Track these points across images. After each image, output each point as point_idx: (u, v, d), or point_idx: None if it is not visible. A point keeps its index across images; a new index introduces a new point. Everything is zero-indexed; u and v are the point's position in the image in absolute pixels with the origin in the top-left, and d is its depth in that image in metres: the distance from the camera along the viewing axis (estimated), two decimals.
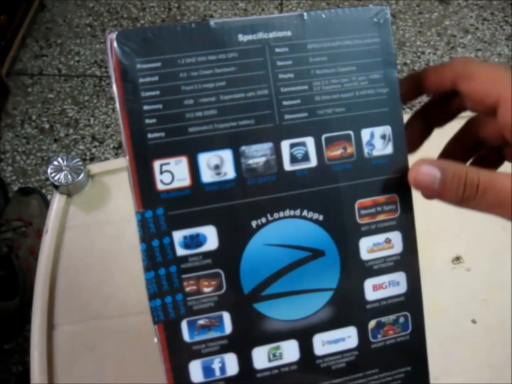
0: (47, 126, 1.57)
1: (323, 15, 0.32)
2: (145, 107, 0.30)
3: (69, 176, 0.64)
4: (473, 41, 1.84)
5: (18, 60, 1.74)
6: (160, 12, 1.89)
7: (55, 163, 0.65)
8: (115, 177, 0.68)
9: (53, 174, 0.64)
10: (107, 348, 0.56)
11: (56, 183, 0.63)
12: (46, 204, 1.27)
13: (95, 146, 1.52)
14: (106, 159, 1.47)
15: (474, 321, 0.58)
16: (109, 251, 0.62)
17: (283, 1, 1.95)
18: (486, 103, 0.32)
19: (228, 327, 0.32)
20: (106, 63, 1.73)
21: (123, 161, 0.69)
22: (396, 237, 0.34)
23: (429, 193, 0.31)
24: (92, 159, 1.48)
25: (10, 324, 1.15)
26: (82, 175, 0.64)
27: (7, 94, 1.62)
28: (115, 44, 0.29)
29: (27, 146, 1.52)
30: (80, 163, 0.65)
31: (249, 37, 0.31)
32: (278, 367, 0.34)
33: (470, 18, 1.91)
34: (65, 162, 0.65)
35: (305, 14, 0.32)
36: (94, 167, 0.68)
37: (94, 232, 0.63)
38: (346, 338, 0.34)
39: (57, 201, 0.64)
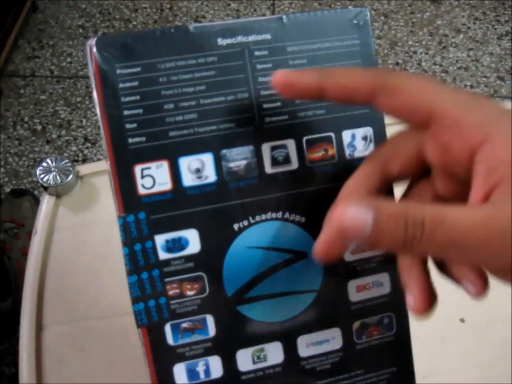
0: (39, 127, 1.57)
1: (302, 18, 0.32)
2: (125, 112, 0.30)
3: (58, 178, 0.64)
4: (465, 40, 1.84)
5: (10, 62, 1.73)
6: (152, 13, 1.89)
7: (44, 164, 0.64)
8: (104, 178, 0.67)
9: (42, 176, 0.64)
10: (96, 348, 0.56)
11: (45, 185, 0.63)
12: (38, 205, 1.27)
13: (87, 147, 1.52)
14: (99, 160, 1.47)
15: (462, 320, 0.58)
16: (98, 252, 0.61)
17: (275, 1, 1.95)
18: (415, 120, 0.27)
19: (212, 330, 0.32)
20: None
21: None
22: None
23: (360, 242, 0.24)
24: (84, 160, 1.48)
25: (2, 326, 1.15)
26: (71, 176, 0.64)
27: None
28: (94, 50, 0.29)
29: (20, 147, 1.52)
30: (69, 164, 0.65)
31: (229, 40, 0.31)
32: (262, 369, 0.34)
33: (462, 18, 1.92)
34: (54, 164, 0.65)
35: (284, 17, 0.32)
36: (83, 168, 0.68)
37: (83, 233, 0.63)
38: (331, 339, 0.34)
39: (46, 202, 0.64)
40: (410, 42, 1.84)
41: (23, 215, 1.23)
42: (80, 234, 0.63)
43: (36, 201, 1.28)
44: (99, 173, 0.68)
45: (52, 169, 0.64)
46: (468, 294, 0.29)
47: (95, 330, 0.57)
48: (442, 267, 0.30)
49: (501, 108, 0.26)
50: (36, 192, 1.39)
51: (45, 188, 0.64)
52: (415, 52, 1.81)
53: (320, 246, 0.25)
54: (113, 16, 1.88)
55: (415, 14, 1.93)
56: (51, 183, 0.63)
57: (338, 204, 0.24)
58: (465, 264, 0.25)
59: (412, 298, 0.28)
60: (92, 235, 0.63)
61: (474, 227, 0.23)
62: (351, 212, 0.23)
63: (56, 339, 0.56)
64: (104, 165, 0.68)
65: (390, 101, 0.27)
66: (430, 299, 0.28)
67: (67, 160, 0.65)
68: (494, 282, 0.59)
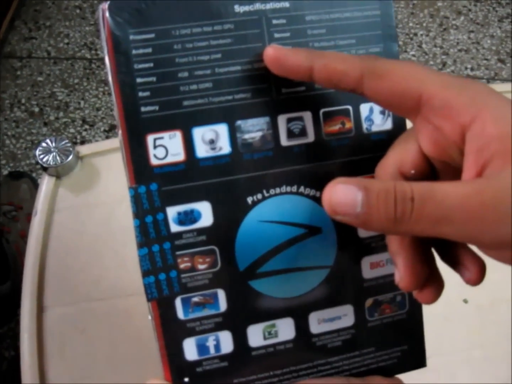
0: (36, 109, 1.55)
1: None
2: (138, 80, 0.29)
3: (58, 158, 0.63)
4: (466, 22, 1.83)
5: (6, 43, 1.71)
6: None
7: (44, 144, 0.64)
8: (104, 158, 0.67)
9: (41, 156, 0.63)
10: (98, 330, 0.56)
11: (44, 165, 0.63)
12: (37, 188, 1.26)
13: (85, 129, 1.51)
14: (97, 142, 1.46)
15: (465, 301, 0.58)
16: (98, 233, 0.61)
17: None
18: (404, 105, 0.27)
19: (223, 305, 0.32)
20: (96, 45, 1.71)
21: (112, 143, 0.68)
22: None
23: (351, 220, 0.24)
24: (82, 142, 1.47)
25: (1, 309, 1.14)
26: (71, 157, 0.63)
27: None
28: (107, 14, 0.28)
29: (17, 129, 1.51)
30: (69, 144, 0.64)
31: (246, 8, 0.30)
32: (273, 345, 0.33)
33: (463, 0, 1.90)
34: (53, 144, 0.64)
35: None
36: (83, 149, 0.67)
37: (84, 214, 0.63)
38: (343, 316, 0.34)
39: (46, 183, 0.64)
40: (410, 24, 1.82)
41: (21, 198, 1.22)
42: (81, 215, 0.63)
43: (34, 184, 1.27)
44: (99, 153, 0.67)
45: (52, 149, 0.64)
46: (465, 281, 0.30)
47: (96, 312, 0.57)
48: (443, 253, 0.30)
49: (488, 87, 0.26)
50: (34, 175, 1.38)
51: (45, 169, 0.64)
52: (415, 34, 1.80)
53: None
54: None
55: None
56: (51, 163, 0.63)
57: (329, 183, 0.25)
58: (458, 240, 0.25)
59: (397, 274, 0.29)
60: (93, 216, 0.62)
61: (465, 200, 0.23)
62: (339, 190, 0.24)
63: (57, 321, 0.56)
64: (104, 145, 0.68)
65: (378, 85, 0.27)
66: (416, 276, 0.28)
67: (67, 141, 0.64)
68: (497, 264, 0.59)
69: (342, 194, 0.24)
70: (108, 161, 0.67)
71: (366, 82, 0.27)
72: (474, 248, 0.28)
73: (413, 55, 1.74)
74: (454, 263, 0.30)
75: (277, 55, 0.29)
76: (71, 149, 0.64)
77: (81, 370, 0.54)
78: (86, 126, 1.52)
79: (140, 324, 0.56)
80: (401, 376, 0.36)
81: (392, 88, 0.27)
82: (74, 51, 1.70)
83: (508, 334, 0.56)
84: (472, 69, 1.70)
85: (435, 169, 0.29)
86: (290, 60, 0.28)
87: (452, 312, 0.57)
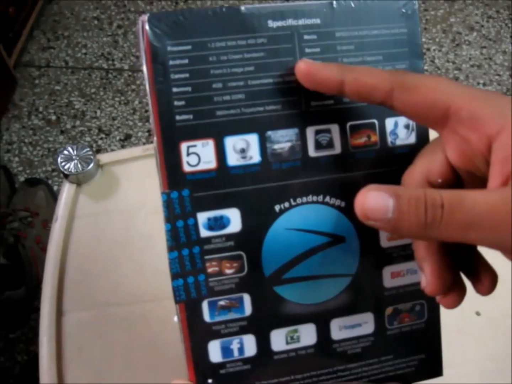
0: (53, 117, 1.57)
1: (352, 4, 0.32)
2: (174, 89, 0.30)
3: (79, 166, 0.64)
4: (478, 38, 1.84)
5: (25, 52, 1.74)
6: (167, 6, 1.89)
7: (65, 152, 0.65)
8: (124, 167, 0.68)
9: (63, 163, 0.64)
10: (115, 334, 0.56)
11: (66, 172, 0.64)
12: (52, 195, 1.28)
13: (101, 138, 1.53)
14: (112, 151, 1.48)
15: (478, 313, 0.58)
16: (117, 240, 0.62)
17: None
18: (433, 116, 0.28)
19: (248, 309, 0.33)
20: (113, 56, 1.73)
21: (132, 152, 0.70)
22: None
23: (383, 226, 0.25)
24: (98, 151, 1.49)
25: (15, 313, 1.16)
26: (91, 165, 0.65)
27: (14, 86, 1.63)
28: (146, 27, 0.30)
29: (34, 137, 1.53)
30: (90, 152, 0.65)
31: (279, 23, 0.31)
32: (295, 350, 0.34)
33: (476, 16, 1.91)
34: (75, 152, 0.65)
35: (334, 2, 0.32)
36: (104, 157, 0.68)
37: (103, 221, 0.64)
38: (363, 323, 0.35)
39: (66, 190, 0.65)
40: (423, 39, 1.83)
41: (37, 204, 1.24)
42: (100, 221, 0.64)
43: (50, 191, 1.29)
44: (119, 162, 0.68)
45: (74, 157, 0.65)
46: (475, 291, 0.31)
47: (114, 317, 0.57)
48: (461, 262, 0.31)
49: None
50: (50, 182, 1.40)
51: (66, 176, 0.65)
52: (428, 49, 1.81)
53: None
54: (128, 8, 1.88)
55: (429, 11, 1.93)
56: (72, 171, 0.64)
57: (361, 190, 0.26)
58: (485, 246, 0.26)
59: (424, 280, 0.30)
60: (112, 223, 0.64)
61: (492, 208, 0.24)
62: (371, 196, 0.25)
63: (76, 325, 0.57)
64: (124, 154, 0.69)
65: (408, 98, 0.28)
66: (442, 282, 0.29)
67: (88, 149, 0.66)
68: (509, 276, 0.59)
69: (374, 200, 0.25)
70: (127, 170, 0.68)
71: (395, 95, 0.28)
72: (491, 256, 0.29)
73: (426, 70, 1.75)
74: (469, 273, 0.31)
75: (308, 69, 0.30)
76: (92, 157, 0.65)
77: (98, 373, 0.54)
78: (102, 135, 1.53)
79: (157, 329, 0.57)
80: None
81: (421, 100, 0.27)
82: (91, 61, 1.72)
83: None
84: (484, 84, 1.71)
85: (461, 178, 0.29)
86: (322, 74, 0.29)
87: (465, 324, 0.57)
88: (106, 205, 0.65)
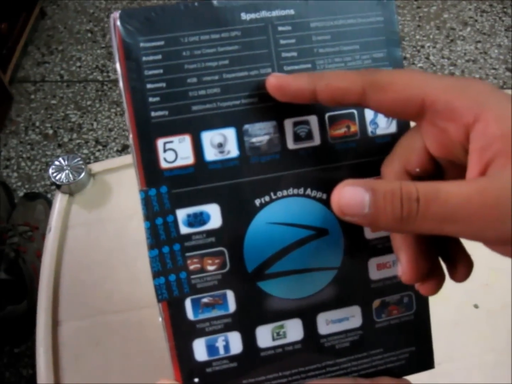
0: (50, 131, 1.58)
1: None
2: (149, 86, 0.30)
3: (71, 175, 0.65)
4: (473, 33, 1.84)
5: (20, 68, 1.75)
6: None
7: (57, 163, 0.65)
8: (116, 175, 0.68)
9: (54, 174, 0.64)
10: (111, 342, 0.56)
11: (57, 183, 0.64)
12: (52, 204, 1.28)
13: (98, 150, 1.53)
14: (108, 159, 1.48)
15: (476, 306, 0.58)
16: (111, 248, 0.62)
17: None
18: (409, 112, 0.28)
19: (232, 306, 0.32)
20: (108, 67, 1.74)
21: (123, 160, 0.70)
22: None
23: (360, 221, 0.25)
24: (91, 164, 1.49)
25: (19, 328, 1.16)
26: (83, 174, 0.65)
27: (10, 102, 1.64)
28: (118, 23, 0.30)
29: (32, 152, 1.54)
30: (81, 162, 0.66)
31: (252, 15, 0.31)
32: (282, 346, 0.34)
33: (469, 11, 1.91)
34: (66, 162, 0.65)
35: None
36: (95, 166, 0.69)
37: (96, 230, 0.64)
38: (350, 317, 0.34)
39: (59, 201, 0.65)
40: (417, 37, 1.84)
41: (37, 218, 1.24)
42: (94, 230, 0.64)
43: (50, 204, 1.29)
44: (111, 170, 0.69)
45: (65, 167, 0.65)
46: (449, 277, 0.31)
47: (110, 325, 0.57)
48: (440, 250, 0.31)
49: (490, 86, 0.26)
50: (49, 195, 1.40)
51: (58, 187, 0.65)
52: (422, 46, 1.81)
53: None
54: None
55: (422, 8, 1.93)
56: (64, 181, 0.64)
57: (337, 185, 0.26)
58: (462, 237, 0.26)
59: (400, 268, 0.30)
60: (105, 231, 0.64)
61: (468, 199, 0.23)
62: (347, 192, 0.25)
63: (72, 334, 0.57)
64: (115, 162, 0.69)
65: (382, 97, 0.28)
66: (417, 270, 0.29)
67: (79, 158, 0.66)
68: (506, 269, 0.59)
69: (350, 196, 0.25)
70: (119, 178, 0.68)
71: (369, 96, 0.28)
72: (467, 244, 0.29)
73: (421, 67, 1.75)
74: (447, 259, 0.31)
75: (279, 83, 0.30)
76: (83, 166, 0.65)
77: (95, 381, 0.54)
78: (99, 147, 1.54)
79: (153, 336, 0.56)
80: (411, 379, 0.36)
81: (395, 98, 0.27)
82: (86, 74, 1.73)
83: None
84: (480, 79, 1.71)
85: (440, 166, 0.29)
86: (292, 87, 0.29)
87: (463, 317, 0.57)
88: (99, 214, 0.65)
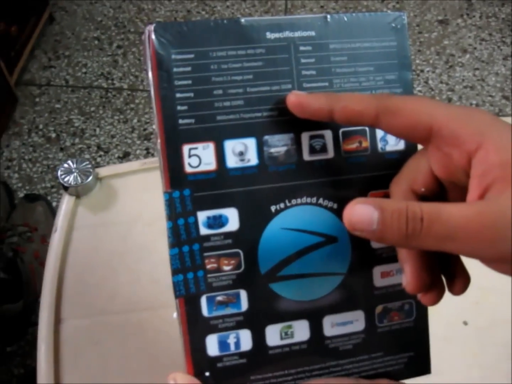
0: (53, 135, 1.60)
1: (345, 18, 0.34)
2: (178, 95, 0.32)
3: (79, 178, 0.66)
4: (471, 60, 1.87)
5: (26, 71, 1.77)
6: None
7: (65, 165, 0.67)
8: (122, 180, 0.70)
9: (63, 176, 0.66)
10: (111, 342, 0.57)
11: (65, 185, 0.65)
12: (51, 210, 1.30)
13: (100, 156, 1.55)
14: (115, 164, 1.49)
15: (465, 323, 0.59)
16: (115, 250, 0.63)
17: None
18: (417, 136, 0.30)
19: (244, 305, 0.34)
20: (113, 75, 1.76)
21: (130, 166, 0.72)
22: None
23: (368, 236, 0.28)
24: (98, 168, 1.50)
25: (13, 327, 1.16)
26: (90, 178, 0.66)
27: (15, 103, 1.65)
28: (153, 36, 0.31)
29: (34, 154, 1.55)
30: (89, 166, 0.67)
31: (276, 35, 0.33)
32: (289, 345, 0.35)
33: (469, 38, 1.95)
34: (74, 165, 0.67)
35: (328, 16, 0.34)
36: (103, 170, 0.70)
37: (101, 232, 0.65)
38: (354, 321, 0.36)
39: (66, 202, 0.66)
40: (417, 61, 1.87)
41: (36, 219, 1.25)
42: (98, 233, 0.65)
43: (49, 206, 1.30)
44: (118, 175, 0.70)
45: (73, 170, 0.67)
46: (448, 290, 0.33)
47: (111, 325, 0.58)
48: (441, 264, 0.33)
49: (493, 117, 0.29)
50: (49, 198, 1.41)
51: (66, 188, 0.66)
52: (422, 71, 1.84)
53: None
54: (128, 29, 1.92)
55: (423, 34, 1.96)
56: (72, 183, 0.66)
57: (349, 203, 0.28)
58: (461, 255, 0.28)
59: (405, 279, 0.32)
60: (110, 234, 0.65)
61: (467, 220, 0.26)
62: (358, 209, 0.28)
63: (73, 333, 0.57)
64: (122, 167, 0.71)
65: (392, 121, 0.30)
66: (421, 281, 0.31)
67: (87, 162, 0.68)
68: (495, 287, 0.60)
69: (361, 213, 0.27)
70: (125, 183, 0.69)
71: (381, 119, 0.30)
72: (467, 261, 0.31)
73: (420, 91, 1.78)
74: (446, 273, 0.33)
75: (299, 101, 0.32)
76: (91, 170, 0.67)
77: (94, 379, 0.55)
78: (101, 153, 1.56)
79: (152, 337, 0.58)
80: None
81: (405, 123, 0.30)
82: (91, 80, 1.75)
83: (507, 355, 0.57)
84: (477, 105, 1.74)
85: (444, 187, 0.31)
86: (312, 105, 0.32)
87: (452, 333, 0.58)
88: (104, 217, 0.66)
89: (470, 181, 0.28)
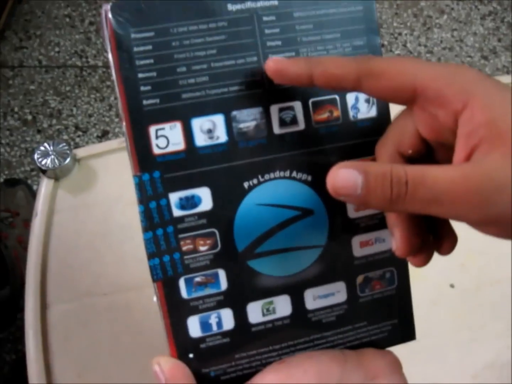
0: (29, 117, 1.57)
1: None
2: (140, 75, 0.31)
3: (56, 161, 0.65)
4: (449, 21, 1.86)
5: None
6: None
7: (42, 148, 0.66)
8: (101, 160, 0.69)
9: (40, 159, 0.65)
10: (99, 324, 0.57)
11: (43, 168, 0.64)
12: (32, 194, 1.28)
13: (78, 136, 1.53)
14: (93, 144, 1.47)
15: (452, 286, 0.60)
16: (97, 232, 0.63)
17: None
18: (401, 98, 0.29)
19: (223, 284, 0.34)
20: (87, 53, 1.73)
21: (108, 145, 0.70)
22: None
23: (353, 200, 0.28)
24: (76, 149, 1.48)
25: (1, 314, 1.16)
26: (68, 159, 0.65)
27: None
28: (109, 15, 0.30)
29: (11, 138, 1.52)
30: (66, 147, 0.66)
31: (238, 6, 0.32)
32: (271, 321, 0.35)
33: None
34: (51, 147, 0.66)
35: None
36: (80, 151, 0.69)
37: (82, 214, 0.64)
38: (336, 292, 0.36)
39: (45, 186, 0.65)
40: (395, 24, 1.85)
41: (17, 204, 1.23)
42: (80, 215, 0.64)
43: (30, 190, 1.28)
44: (96, 155, 0.69)
45: (50, 152, 0.65)
46: (436, 251, 0.33)
47: (98, 306, 0.58)
48: (429, 226, 0.33)
49: (479, 74, 0.28)
50: (29, 181, 1.39)
51: (44, 172, 0.65)
52: (400, 34, 1.83)
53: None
54: (99, 4, 1.87)
55: None
56: (49, 166, 0.65)
57: (332, 168, 0.27)
58: (447, 218, 0.28)
59: (394, 243, 0.32)
60: (92, 216, 0.64)
61: (452, 183, 0.25)
62: (342, 174, 0.27)
63: (60, 317, 0.57)
64: (100, 147, 0.70)
65: (375, 84, 0.29)
66: (410, 245, 0.31)
67: (64, 144, 0.66)
68: (481, 250, 0.61)
69: (344, 178, 0.26)
70: (104, 163, 0.69)
71: (363, 83, 0.29)
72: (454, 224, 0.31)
73: (398, 54, 1.77)
74: (434, 234, 0.33)
75: (277, 67, 0.31)
76: (68, 151, 0.66)
77: (85, 362, 0.55)
78: (79, 133, 1.53)
79: (140, 316, 0.58)
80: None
81: (388, 85, 0.29)
82: (65, 59, 1.71)
83: (493, 316, 0.58)
84: (470, 66, 1.73)
85: (431, 147, 0.31)
86: (291, 71, 0.31)
87: (440, 296, 0.59)
88: (85, 199, 0.66)
89: (457, 141, 0.28)
